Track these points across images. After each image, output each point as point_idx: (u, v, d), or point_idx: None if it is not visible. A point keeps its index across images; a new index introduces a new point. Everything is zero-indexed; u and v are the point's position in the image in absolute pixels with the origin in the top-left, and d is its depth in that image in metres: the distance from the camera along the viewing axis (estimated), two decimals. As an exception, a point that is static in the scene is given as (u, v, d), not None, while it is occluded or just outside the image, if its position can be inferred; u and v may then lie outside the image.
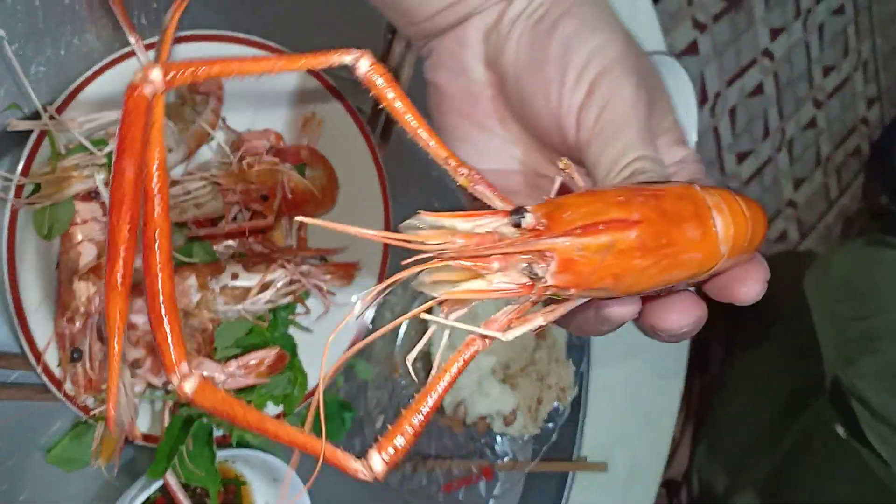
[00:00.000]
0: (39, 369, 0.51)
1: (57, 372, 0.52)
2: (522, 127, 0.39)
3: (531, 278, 0.28)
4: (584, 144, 0.34)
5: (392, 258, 0.68)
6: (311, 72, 0.60)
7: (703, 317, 0.32)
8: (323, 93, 0.61)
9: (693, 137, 0.84)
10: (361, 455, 0.27)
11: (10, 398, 0.53)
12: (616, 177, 0.33)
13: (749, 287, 0.33)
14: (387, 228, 0.68)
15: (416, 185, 0.74)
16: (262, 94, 0.60)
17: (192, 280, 0.55)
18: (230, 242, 0.58)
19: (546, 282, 0.28)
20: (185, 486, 0.56)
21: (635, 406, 0.95)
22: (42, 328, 0.51)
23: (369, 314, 0.65)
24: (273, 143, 0.59)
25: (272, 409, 0.61)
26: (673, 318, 0.33)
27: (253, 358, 0.56)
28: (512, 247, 0.28)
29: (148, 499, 0.55)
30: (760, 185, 2.24)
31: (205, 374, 0.55)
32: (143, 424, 0.56)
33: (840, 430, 0.89)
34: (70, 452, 0.56)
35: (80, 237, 0.52)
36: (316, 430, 0.28)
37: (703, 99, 2.02)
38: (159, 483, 0.54)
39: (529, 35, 0.36)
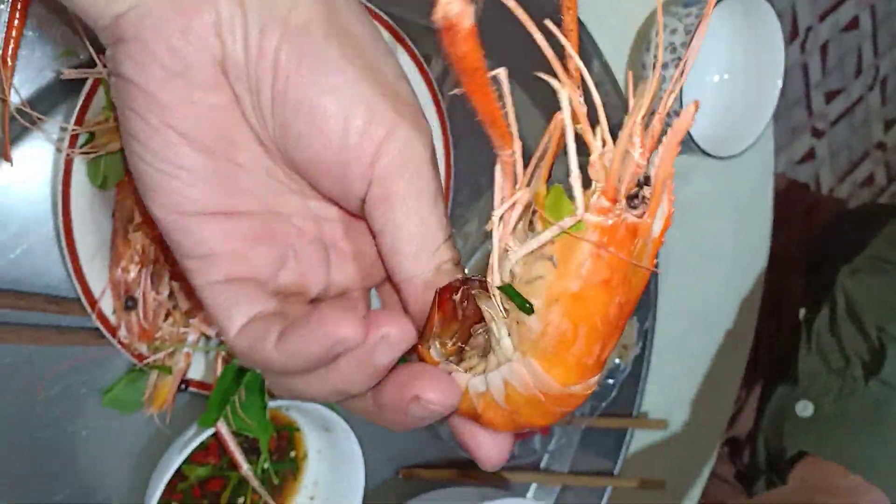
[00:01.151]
0: (94, 316, 0.51)
1: (112, 319, 0.52)
2: (281, 162, 0.33)
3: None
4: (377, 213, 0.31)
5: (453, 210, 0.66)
6: (375, 15, 0.57)
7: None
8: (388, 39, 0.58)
9: (778, 83, 0.78)
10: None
11: (66, 343, 0.53)
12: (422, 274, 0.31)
13: None
14: (448, 181, 0.65)
15: (476, 133, 0.71)
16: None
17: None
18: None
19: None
20: (237, 434, 0.56)
21: (699, 365, 0.92)
22: (97, 276, 0.51)
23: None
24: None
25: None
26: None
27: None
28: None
29: (202, 444, 0.56)
30: (849, 126, 2.12)
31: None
32: (196, 373, 0.56)
33: None
34: (126, 395, 0.56)
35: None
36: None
37: (792, 34, 1.91)
38: (211, 432, 0.54)
39: (292, 48, 0.30)
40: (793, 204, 1.07)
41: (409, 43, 0.59)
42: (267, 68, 0.30)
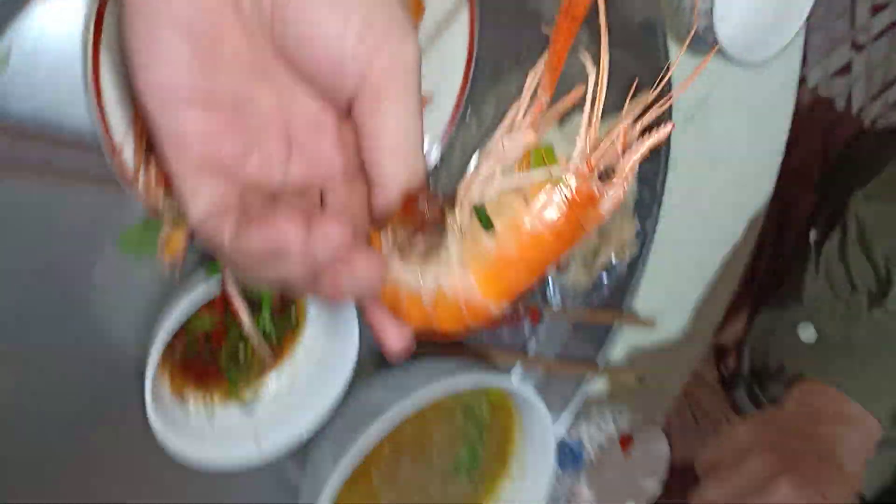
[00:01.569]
0: (113, 161, 0.53)
1: (131, 168, 0.54)
2: (270, 57, 0.35)
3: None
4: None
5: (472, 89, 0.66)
6: None
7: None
8: None
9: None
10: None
11: (86, 185, 0.55)
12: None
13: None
14: (469, 59, 0.65)
15: (506, 14, 0.71)
16: None
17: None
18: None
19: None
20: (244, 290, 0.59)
21: (696, 271, 0.94)
22: (121, 123, 0.53)
23: (436, 153, 0.64)
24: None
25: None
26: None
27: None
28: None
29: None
30: (890, 43, 2.06)
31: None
32: (207, 227, 0.58)
33: None
34: (141, 240, 0.59)
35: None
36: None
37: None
38: (214, 286, 0.57)
39: None
40: (815, 120, 1.06)
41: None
42: None
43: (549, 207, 0.32)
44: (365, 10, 0.33)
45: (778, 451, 0.69)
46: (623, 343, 0.88)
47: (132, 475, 0.66)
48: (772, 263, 1.04)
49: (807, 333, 0.85)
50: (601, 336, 0.87)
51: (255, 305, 0.62)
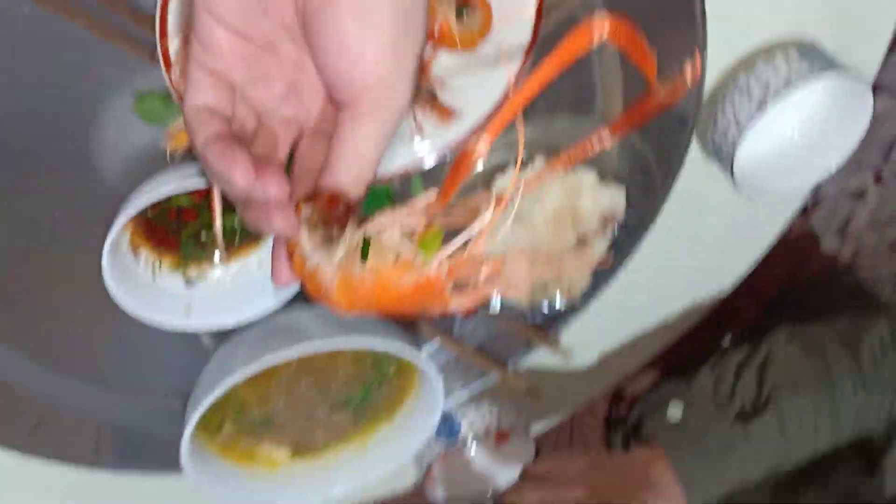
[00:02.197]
0: (159, 44, 0.56)
1: (173, 57, 0.57)
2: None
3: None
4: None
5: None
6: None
7: None
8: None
9: (842, 158, 0.81)
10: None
11: (127, 49, 0.59)
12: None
13: None
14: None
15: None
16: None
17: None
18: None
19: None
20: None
21: (627, 326, 1.01)
22: (177, 20, 0.56)
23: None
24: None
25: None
26: None
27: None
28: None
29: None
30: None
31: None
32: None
33: None
34: (156, 109, 0.63)
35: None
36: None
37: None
38: (204, 184, 0.61)
39: None
40: (793, 249, 1.12)
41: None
42: None
43: (403, 277, 0.38)
44: (387, 38, 0.39)
45: (595, 493, 0.79)
46: (537, 357, 0.95)
47: (73, 290, 0.73)
48: (692, 346, 1.11)
49: (674, 411, 0.94)
50: (520, 346, 0.93)
51: (231, 208, 0.67)
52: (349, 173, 0.42)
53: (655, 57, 0.35)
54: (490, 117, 0.64)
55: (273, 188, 0.39)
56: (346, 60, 0.40)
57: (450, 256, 0.37)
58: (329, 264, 0.41)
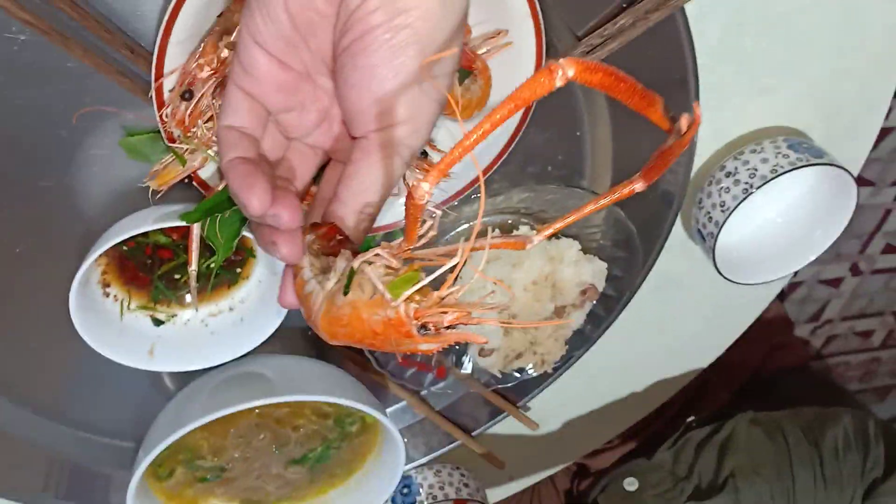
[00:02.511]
0: (154, 83, 0.56)
1: (166, 96, 0.57)
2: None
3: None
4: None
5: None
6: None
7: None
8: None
9: (824, 248, 0.82)
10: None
11: (121, 84, 0.58)
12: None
13: None
14: (508, 145, 0.68)
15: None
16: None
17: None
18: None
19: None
20: (202, 240, 0.63)
21: (597, 401, 1.00)
22: (177, 56, 0.55)
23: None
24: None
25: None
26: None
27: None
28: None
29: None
30: (884, 283, 2.12)
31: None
32: (204, 174, 0.62)
33: None
34: (142, 147, 0.62)
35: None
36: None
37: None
38: (182, 224, 0.60)
39: (387, 26, 0.39)
40: (767, 335, 1.12)
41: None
42: (358, 25, 0.40)
43: (375, 314, 0.38)
44: (408, 95, 0.41)
45: None
46: (504, 424, 0.94)
47: (38, 321, 0.71)
48: (660, 425, 1.11)
49: (630, 484, 0.93)
50: (488, 413, 0.92)
51: (210, 250, 0.66)
52: (352, 205, 0.44)
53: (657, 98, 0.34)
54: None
55: (286, 216, 0.42)
56: (366, 98, 0.41)
57: (417, 300, 0.37)
58: (320, 292, 0.42)
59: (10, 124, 0.60)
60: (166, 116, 0.57)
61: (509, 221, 0.72)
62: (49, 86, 0.58)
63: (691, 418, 1.02)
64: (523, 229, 0.71)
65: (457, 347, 0.83)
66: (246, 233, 0.62)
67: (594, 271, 0.76)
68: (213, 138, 0.59)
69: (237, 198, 0.43)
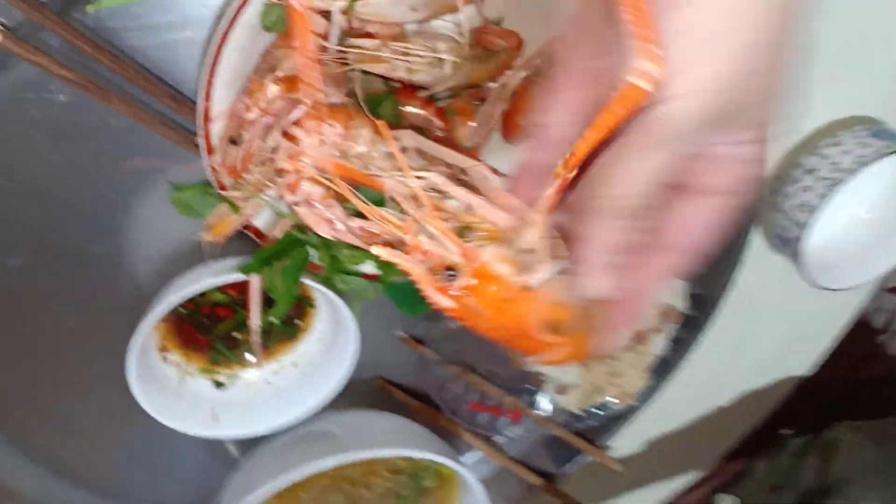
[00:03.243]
0: (201, 131, 0.53)
1: (214, 142, 0.54)
2: None
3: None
4: None
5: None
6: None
7: None
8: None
9: None
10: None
11: (166, 136, 0.56)
12: None
13: None
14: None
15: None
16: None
17: (366, 131, 0.55)
18: (416, 110, 0.57)
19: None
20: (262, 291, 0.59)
21: (683, 436, 0.94)
22: (221, 99, 0.53)
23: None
24: (511, 45, 0.56)
25: (369, 267, 0.63)
26: None
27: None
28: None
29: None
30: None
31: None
32: (259, 222, 0.59)
33: None
34: (193, 201, 0.59)
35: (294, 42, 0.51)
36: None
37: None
38: (240, 278, 0.57)
39: None
40: (859, 344, 1.06)
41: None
42: None
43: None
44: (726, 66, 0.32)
45: None
46: (586, 471, 0.88)
47: (92, 395, 0.67)
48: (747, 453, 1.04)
49: (726, 500, 0.87)
50: (566, 455, 0.86)
51: (270, 302, 0.63)
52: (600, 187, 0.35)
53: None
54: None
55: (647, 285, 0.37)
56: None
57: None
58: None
59: (53, 188, 0.57)
60: (216, 165, 0.54)
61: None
62: (91, 144, 0.56)
63: (786, 431, 0.95)
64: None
65: (531, 387, 0.78)
66: (305, 280, 0.59)
67: (671, 292, 0.72)
68: (267, 183, 0.56)
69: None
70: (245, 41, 0.51)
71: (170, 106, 0.55)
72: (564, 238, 0.37)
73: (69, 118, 0.54)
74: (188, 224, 0.59)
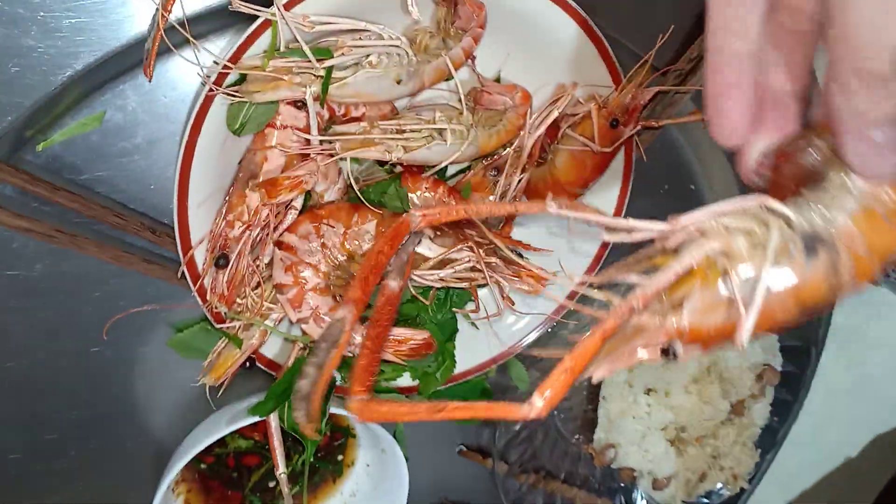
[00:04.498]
0: (184, 263, 0.46)
1: (200, 268, 0.47)
2: None
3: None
4: None
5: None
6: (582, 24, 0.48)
7: None
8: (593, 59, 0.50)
9: None
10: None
11: (150, 274, 0.49)
12: None
13: None
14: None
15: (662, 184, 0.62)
16: (522, 40, 0.50)
17: (371, 226, 0.47)
18: (427, 194, 0.50)
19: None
20: (283, 431, 0.51)
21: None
22: (202, 221, 0.46)
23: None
24: (517, 102, 0.49)
25: (406, 380, 0.54)
26: None
27: (398, 334, 0.49)
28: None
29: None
30: None
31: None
32: (269, 351, 0.51)
33: None
34: (193, 342, 0.52)
35: (272, 141, 0.45)
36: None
37: None
38: (256, 419, 0.49)
39: None
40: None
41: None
42: None
43: None
44: None
45: None
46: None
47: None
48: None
49: None
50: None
51: (298, 444, 0.54)
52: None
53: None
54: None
55: None
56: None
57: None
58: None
59: (44, 357, 0.51)
60: (207, 296, 0.47)
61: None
62: (74, 300, 0.50)
63: None
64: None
65: (620, 485, 0.67)
66: (336, 409, 0.50)
67: (764, 347, 0.61)
68: (267, 308, 0.49)
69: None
70: (215, 151, 0.45)
71: (149, 239, 0.48)
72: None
73: (42, 274, 0.48)
74: (196, 367, 0.52)
